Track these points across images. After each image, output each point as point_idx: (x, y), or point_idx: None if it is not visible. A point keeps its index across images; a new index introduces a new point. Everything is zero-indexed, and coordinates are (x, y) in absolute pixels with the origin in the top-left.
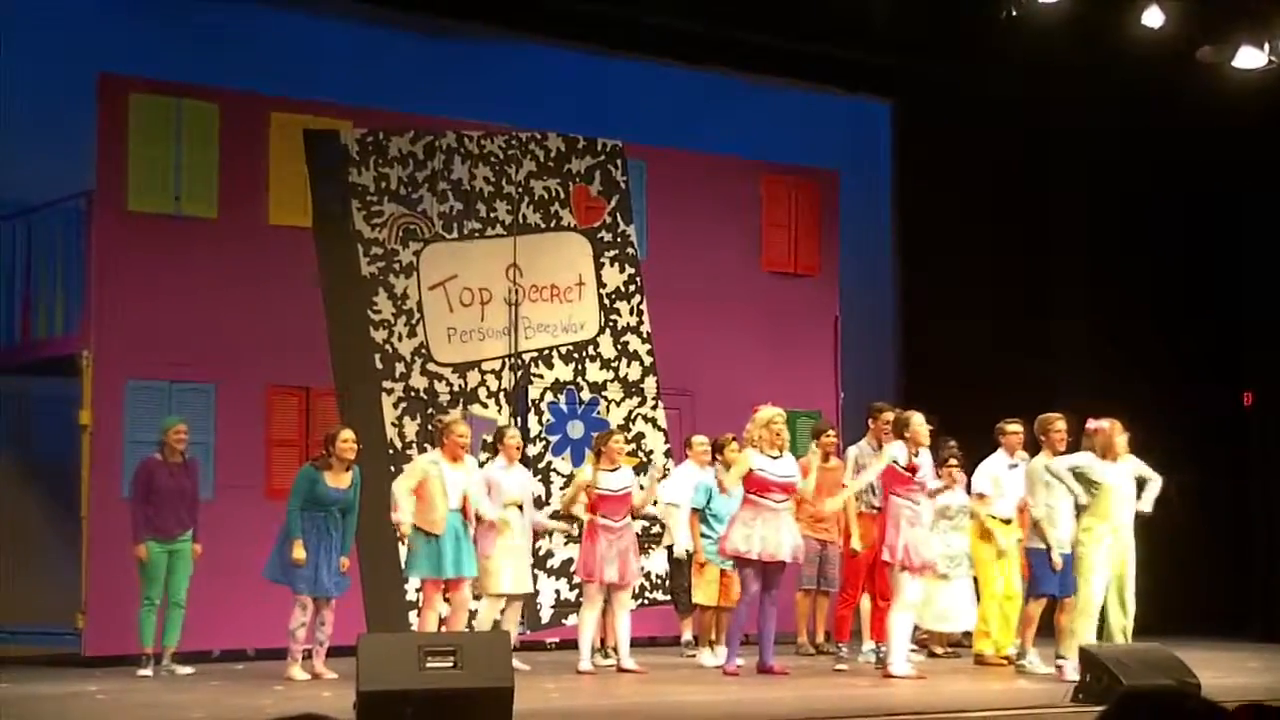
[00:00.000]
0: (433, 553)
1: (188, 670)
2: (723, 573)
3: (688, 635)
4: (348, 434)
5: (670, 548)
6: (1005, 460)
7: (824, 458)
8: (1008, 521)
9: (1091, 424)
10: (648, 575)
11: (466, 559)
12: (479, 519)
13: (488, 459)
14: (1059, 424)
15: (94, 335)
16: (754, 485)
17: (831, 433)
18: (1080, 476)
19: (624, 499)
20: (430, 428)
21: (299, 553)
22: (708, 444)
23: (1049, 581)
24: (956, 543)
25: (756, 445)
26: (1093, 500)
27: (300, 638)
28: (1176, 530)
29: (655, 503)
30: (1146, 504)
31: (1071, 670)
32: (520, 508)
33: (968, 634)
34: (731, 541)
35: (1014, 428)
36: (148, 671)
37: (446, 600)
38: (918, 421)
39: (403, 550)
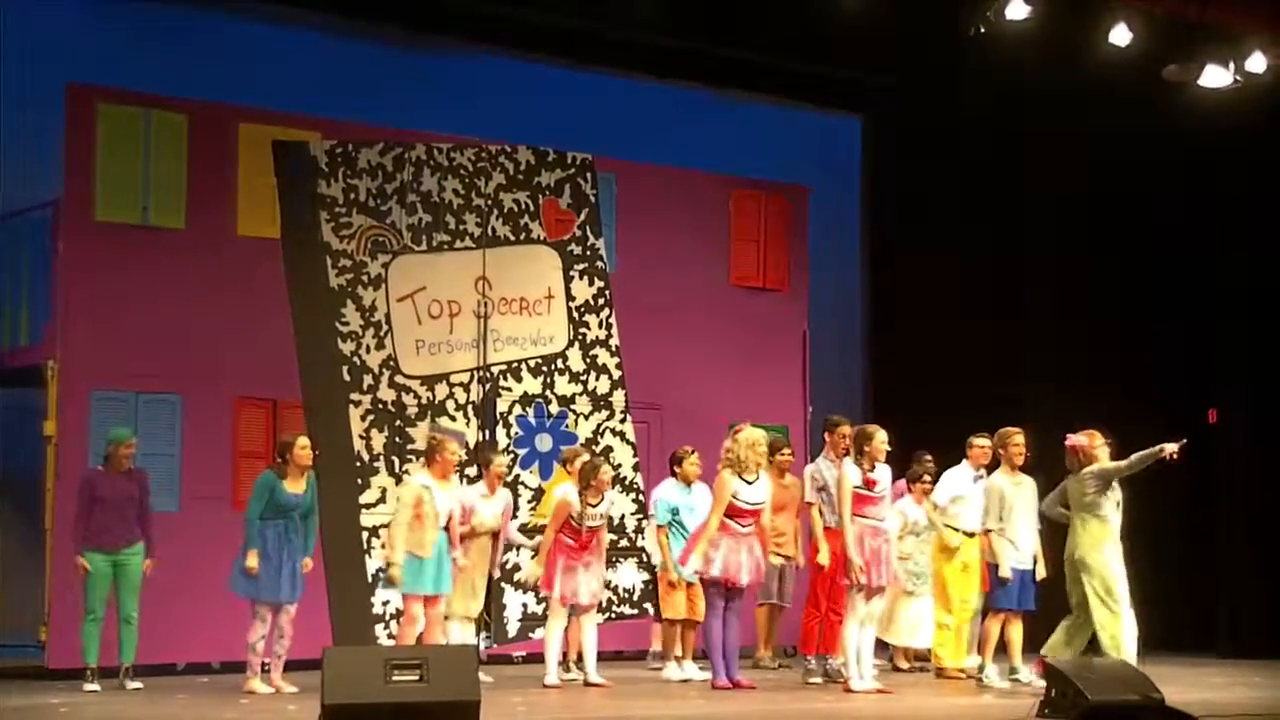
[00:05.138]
0: (416, 571)
1: (136, 685)
2: (689, 585)
3: (656, 647)
4: (304, 440)
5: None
6: (970, 473)
7: (779, 474)
8: (971, 535)
9: (1070, 439)
10: (615, 589)
11: (445, 576)
12: (462, 539)
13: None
14: (1017, 438)
15: (59, 346)
16: (725, 509)
17: (787, 451)
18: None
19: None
20: (398, 440)
21: (252, 561)
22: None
23: (1007, 596)
24: (922, 559)
25: (738, 467)
26: (1113, 513)
27: (260, 650)
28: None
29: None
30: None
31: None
32: (494, 535)
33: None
34: (693, 558)
35: (982, 441)
36: (95, 686)
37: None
38: (880, 440)
39: (369, 563)
